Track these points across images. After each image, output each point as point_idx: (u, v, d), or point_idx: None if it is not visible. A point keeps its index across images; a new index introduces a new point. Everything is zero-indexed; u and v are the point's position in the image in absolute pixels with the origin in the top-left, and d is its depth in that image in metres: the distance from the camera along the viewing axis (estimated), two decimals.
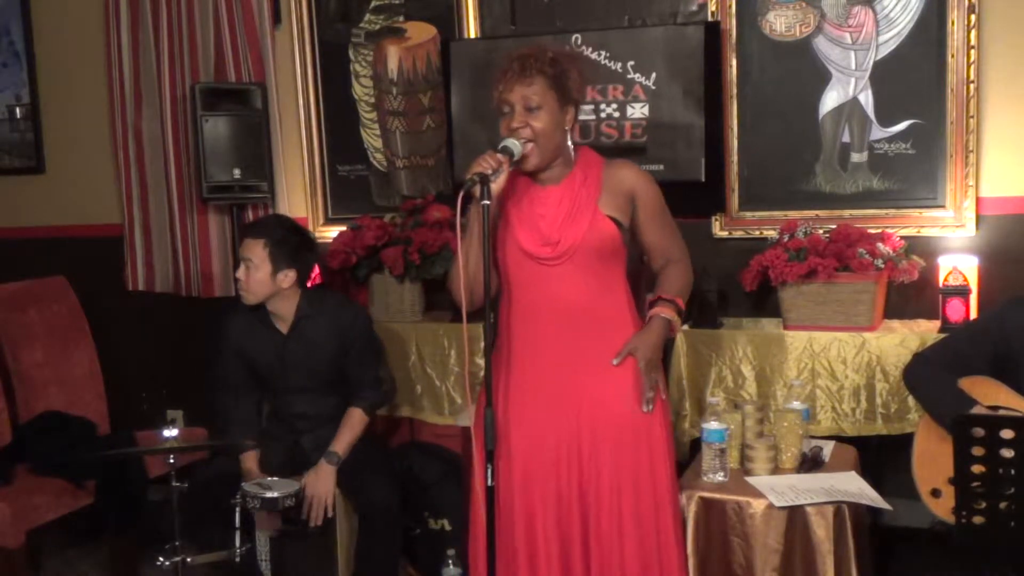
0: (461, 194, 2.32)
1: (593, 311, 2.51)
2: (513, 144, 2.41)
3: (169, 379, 4.52)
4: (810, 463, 2.87)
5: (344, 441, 3.17)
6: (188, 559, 2.90)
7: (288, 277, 3.18)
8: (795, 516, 2.65)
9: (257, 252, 3.16)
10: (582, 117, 3.56)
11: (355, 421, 3.21)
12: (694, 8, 3.61)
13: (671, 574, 2.51)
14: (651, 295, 2.61)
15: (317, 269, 4.01)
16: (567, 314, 2.49)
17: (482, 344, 2.35)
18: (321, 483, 3.09)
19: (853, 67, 3.42)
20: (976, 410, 2.44)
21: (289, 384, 3.26)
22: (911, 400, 2.91)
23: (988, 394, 2.50)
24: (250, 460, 3.19)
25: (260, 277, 3.16)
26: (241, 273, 3.18)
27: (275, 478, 3.09)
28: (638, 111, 3.54)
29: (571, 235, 2.47)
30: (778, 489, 2.70)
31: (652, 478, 2.51)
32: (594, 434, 2.49)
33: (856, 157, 3.45)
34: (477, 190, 2.31)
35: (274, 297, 3.20)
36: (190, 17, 4.20)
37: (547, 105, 2.45)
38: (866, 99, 3.42)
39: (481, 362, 2.41)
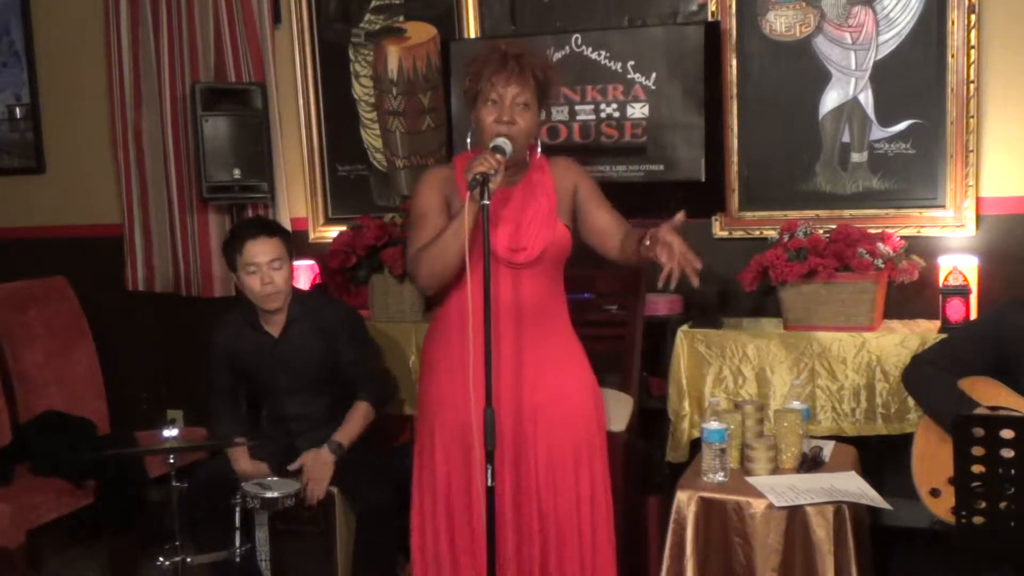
0: (468, 194, 2.34)
1: (541, 311, 2.61)
2: (504, 143, 2.44)
3: (169, 379, 4.52)
4: (810, 463, 2.87)
5: (348, 432, 3.16)
6: (188, 559, 2.90)
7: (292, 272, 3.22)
8: (795, 516, 2.65)
9: (280, 249, 3.16)
10: (582, 117, 3.58)
11: (361, 414, 3.21)
12: (694, 8, 3.61)
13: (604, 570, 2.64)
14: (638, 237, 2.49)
15: (317, 269, 4.02)
16: (520, 314, 2.57)
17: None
18: (319, 466, 3.08)
19: (853, 67, 3.42)
20: (979, 412, 2.45)
21: (280, 386, 3.25)
22: (911, 400, 2.91)
23: (988, 394, 2.50)
24: (241, 457, 3.19)
25: (287, 274, 3.19)
26: (277, 276, 3.13)
27: (275, 478, 3.09)
28: (638, 111, 3.54)
29: (538, 243, 2.56)
30: (778, 489, 2.70)
31: (596, 474, 2.65)
32: (550, 434, 2.59)
33: (856, 157, 3.45)
34: (478, 191, 2.32)
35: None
36: (190, 17, 4.20)
37: (533, 107, 2.53)
38: (866, 99, 3.42)
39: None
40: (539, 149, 2.65)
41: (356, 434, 3.18)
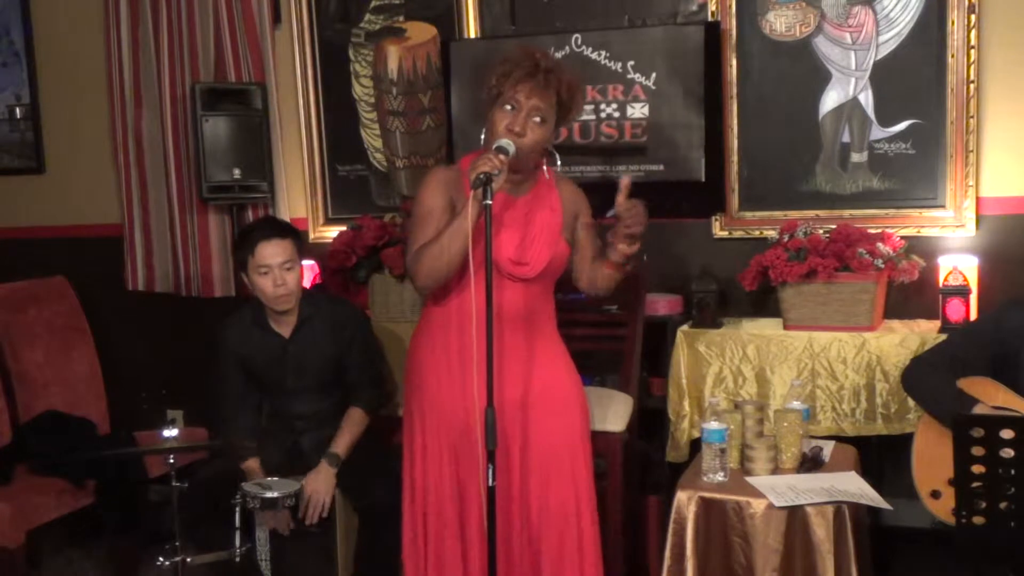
0: (472, 193, 2.34)
1: (535, 315, 2.64)
2: (508, 144, 2.43)
3: (169, 379, 4.52)
4: (810, 463, 2.87)
5: (344, 442, 3.16)
6: (188, 559, 2.90)
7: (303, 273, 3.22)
8: (795, 516, 2.64)
9: (292, 250, 3.14)
10: (582, 117, 3.58)
11: (355, 421, 3.21)
12: (694, 8, 3.61)
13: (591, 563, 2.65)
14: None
15: (317, 269, 4.02)
16: (515, 319, 2.58)
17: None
18: (320, 484, 3.08)
19: (853, 67, 3.42)
20: (979, 408, 2.45)
21: (287, 386, 3.24)
22: (911, 400, 2.92)
23: (987, 395, 2.51)
24: (253, 465, 3.18)
25: (298, 276, 3.17)
26: (289, 277, 3.11)
27: (275, 478, 3.09)
28: (638, 111, 3.54)
29: (541, 260, 2.58)
30: (778, 489, 2.70)
31: (588, 470, 2.68)
32: (544, 435, 2.61)
33: (856, 157, 3.45)
34: (480, 190, 2.32)
35: None
36: (190, 17, 4.20)
37: (549, 123, 2.53)
38: (866, 99, 3.42)
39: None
40: (558, 165, 2.66)
41: (353, 442, 3.18)
